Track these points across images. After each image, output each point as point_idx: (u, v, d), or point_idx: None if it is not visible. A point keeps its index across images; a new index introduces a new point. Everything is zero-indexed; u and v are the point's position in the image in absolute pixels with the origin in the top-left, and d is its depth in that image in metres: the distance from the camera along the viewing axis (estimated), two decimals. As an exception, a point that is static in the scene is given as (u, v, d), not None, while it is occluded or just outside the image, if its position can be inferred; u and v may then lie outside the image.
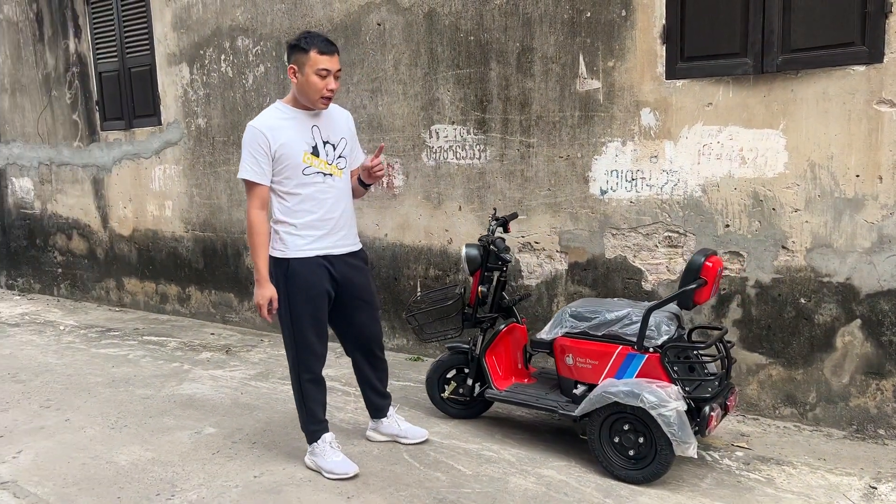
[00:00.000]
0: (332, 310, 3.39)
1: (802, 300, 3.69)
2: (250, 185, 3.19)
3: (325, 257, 3.26)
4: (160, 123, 6.52)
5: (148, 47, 6.49)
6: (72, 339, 6.12)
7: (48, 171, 7.74)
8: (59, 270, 7.91)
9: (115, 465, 3.58)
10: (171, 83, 6.37)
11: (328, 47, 3.15)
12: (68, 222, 7.67)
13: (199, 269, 6.50)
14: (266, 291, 3.19)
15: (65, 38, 7.19)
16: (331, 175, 3.25)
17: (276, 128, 3.16)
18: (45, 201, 7.88)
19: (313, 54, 3.11)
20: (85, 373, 5.11)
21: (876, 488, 3.11)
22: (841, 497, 3.06)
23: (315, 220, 3.23)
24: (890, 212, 3.42)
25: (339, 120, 3.37)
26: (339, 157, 3.30)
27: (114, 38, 6.72)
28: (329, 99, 3.21)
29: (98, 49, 6.89)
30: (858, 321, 3.56)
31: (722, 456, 3.47)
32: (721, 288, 3.90)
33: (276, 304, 3.21)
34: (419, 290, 4.97)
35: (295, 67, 3.15)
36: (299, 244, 3.22)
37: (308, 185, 3.20)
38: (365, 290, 3.41)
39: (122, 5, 6.59)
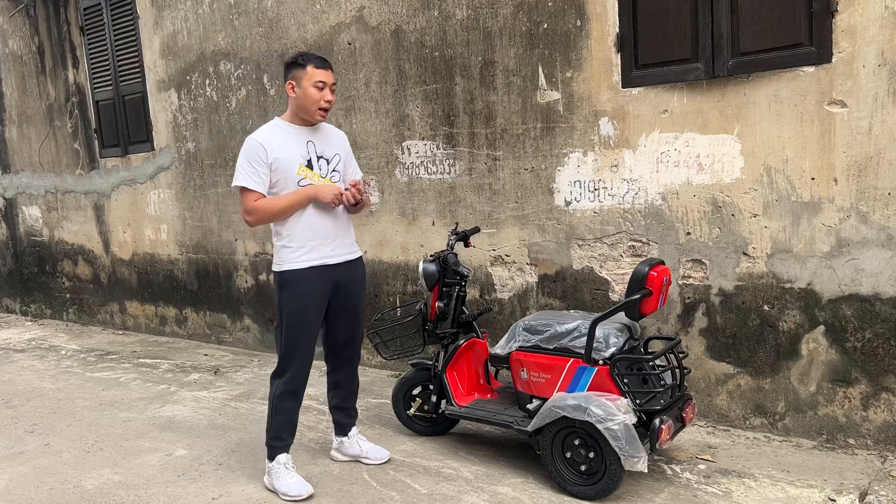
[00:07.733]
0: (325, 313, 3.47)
1: (766, 307, 3.60)
2: (245, 193, 3.26)
3: (317, 267, 3.33)
4: (153, 149, 6.64)
5: (139, 75, 6.62)
6: (70, 363, 6.23)
7: (54, 199, 7.93)
8: (68, 295, 8.09)
9: (80, 490, 3.63)
10: (162, 109, 6.49)
11: (323, 63, 3.33)
12: (74, 248, 7.84)
13: (193, 291, 6.59)
14: (326, 188, 3.26)
15: (64, 70, 7.38)
16: None
17: (273, 140, 3.28)
18: (53, 228, 8.07)
19: (310, 68, 3.27)
20: (75, 397, 5.20)
21: (835, 501, 3.02)
22: (797, 510, 2.98)
23: (307, 231, 3.31)
24: (847, 214, 3.33)
25: (333, 137, 3.51)
26: (333, 171, 3.42)
27: (108, 67, 6.88)
28: (326, 110, 3.34)
29: (94, 78, 7.05)
30: (822, 328, 3.46)
31: (684, 469, 3.40)
32: (685, 297, 3.83)
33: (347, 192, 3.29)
34: (398, 305, 4.97)
35: (293, 83, 3.30)
36: (292, 257, 3.31)
37: None
38: (355, 297, 3.50)
39: (115, 35, 6.74)
